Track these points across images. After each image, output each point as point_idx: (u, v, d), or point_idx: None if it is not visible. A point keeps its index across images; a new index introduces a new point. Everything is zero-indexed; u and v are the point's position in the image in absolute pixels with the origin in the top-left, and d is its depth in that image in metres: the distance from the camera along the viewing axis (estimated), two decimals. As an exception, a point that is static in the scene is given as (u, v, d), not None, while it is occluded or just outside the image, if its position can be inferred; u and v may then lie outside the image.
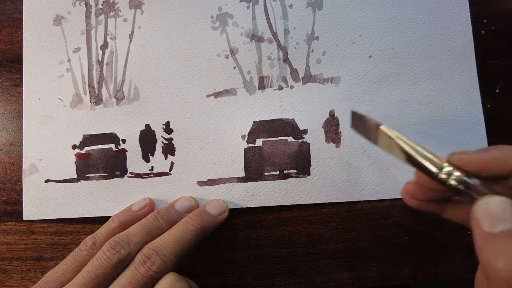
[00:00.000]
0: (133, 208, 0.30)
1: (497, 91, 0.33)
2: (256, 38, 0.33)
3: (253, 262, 0.32)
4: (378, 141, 0.26)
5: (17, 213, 0.32)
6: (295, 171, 0.32)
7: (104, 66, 0.33)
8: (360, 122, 0.29)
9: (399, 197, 0.31)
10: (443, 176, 0.23)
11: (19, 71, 0.33)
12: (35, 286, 0.27)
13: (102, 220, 0.31)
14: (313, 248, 0.32)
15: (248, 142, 0.32)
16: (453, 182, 0.22)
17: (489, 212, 0.19)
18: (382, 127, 0.25)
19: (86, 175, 0.32)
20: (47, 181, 0.32)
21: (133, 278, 0.25)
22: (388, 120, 0.32)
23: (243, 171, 0.32)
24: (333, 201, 0.32)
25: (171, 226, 0.28)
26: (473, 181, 0.22)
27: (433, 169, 0.23)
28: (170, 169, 0.32)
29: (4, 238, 0.32)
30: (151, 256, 0.26)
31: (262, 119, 0.32)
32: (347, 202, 0.32)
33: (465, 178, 0.22)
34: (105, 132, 0.32)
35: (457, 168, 0.22)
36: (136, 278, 0.25)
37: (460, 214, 0.26)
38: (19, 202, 0.32)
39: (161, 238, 0.27)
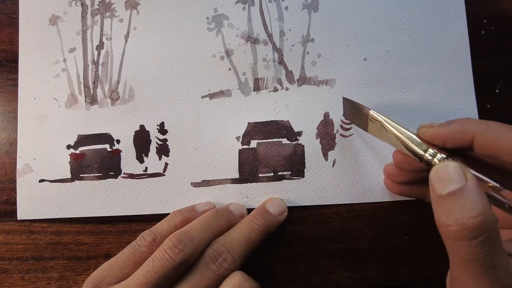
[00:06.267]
0: (197, 208, 0.29)
1: (497, 91, 0.33)
2: (251, 39, 0.33)
3: (253, 262, 0.32)
4: (368, 126, 0.28)
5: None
6: (289, 173, 0.32)
7: (100, 67, 0.33)
8: (351, 109, 0.30)
9: (396, 199, 0.31)
10: (428, 157, 0.24)
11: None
12: (89, 278, 0.26)
13: (102, 220, 0.31)
14: (313, 248, 0.32)
15: (242, 143, 0.32)
16: (437, 163, 0.24)
17: (440, 176, 0.21)
18: (371, 112, 0.27)
19: (80, 175, 0.32)
20: (41, 180, 0.32)
21: (204, 275, 0.24)
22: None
23: (237, 172, 0.32)
24: (327, 204, 0.32)
25: (230, 226, 0.28)
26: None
27: (419, 150, 0.24)
28: (164, 170, 0.32)
29: (4, 238, 0.32)
30: (222, 253, 0.25)
31: (257, 121, 0.32)
32: (345, 202, 0.32)
33: (448, 159, 0.23)
34: (100, 132, 0.32)
35: (439, 149, 0.24)
36: (207, 275, 0.24)
37: None
38: (19, 202, 0.32)
39: (228, 234, 0.27)
